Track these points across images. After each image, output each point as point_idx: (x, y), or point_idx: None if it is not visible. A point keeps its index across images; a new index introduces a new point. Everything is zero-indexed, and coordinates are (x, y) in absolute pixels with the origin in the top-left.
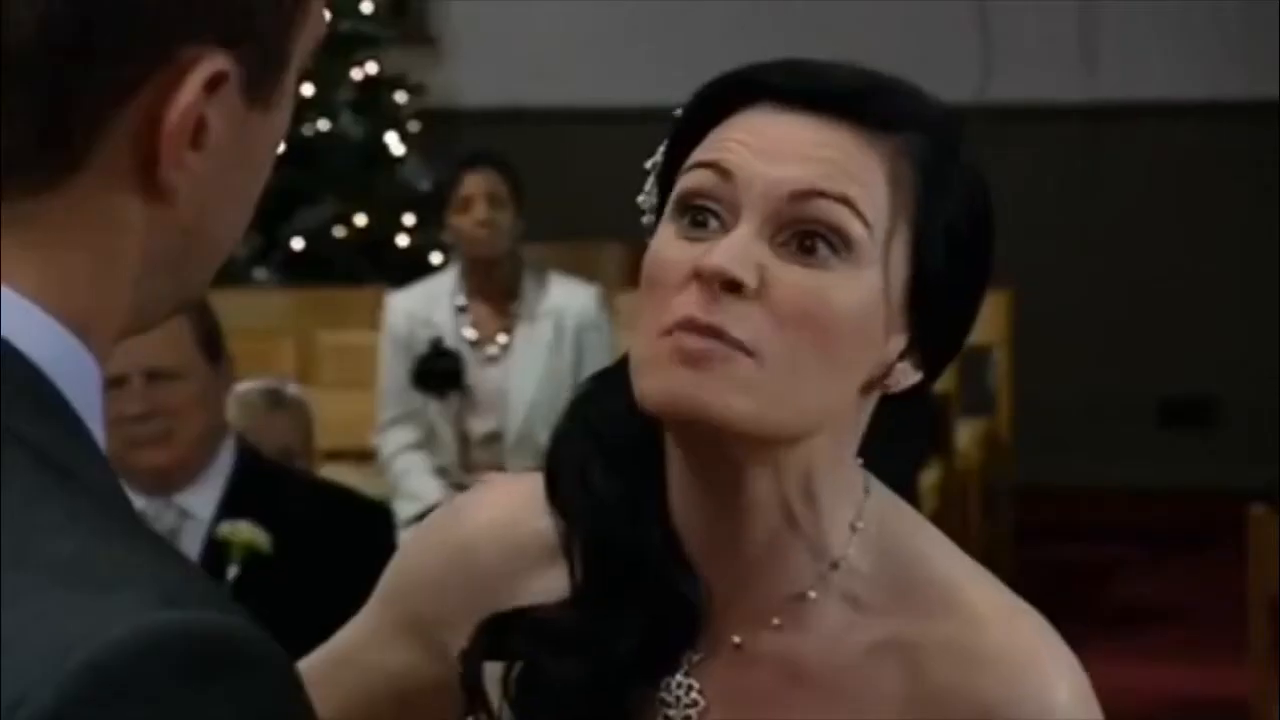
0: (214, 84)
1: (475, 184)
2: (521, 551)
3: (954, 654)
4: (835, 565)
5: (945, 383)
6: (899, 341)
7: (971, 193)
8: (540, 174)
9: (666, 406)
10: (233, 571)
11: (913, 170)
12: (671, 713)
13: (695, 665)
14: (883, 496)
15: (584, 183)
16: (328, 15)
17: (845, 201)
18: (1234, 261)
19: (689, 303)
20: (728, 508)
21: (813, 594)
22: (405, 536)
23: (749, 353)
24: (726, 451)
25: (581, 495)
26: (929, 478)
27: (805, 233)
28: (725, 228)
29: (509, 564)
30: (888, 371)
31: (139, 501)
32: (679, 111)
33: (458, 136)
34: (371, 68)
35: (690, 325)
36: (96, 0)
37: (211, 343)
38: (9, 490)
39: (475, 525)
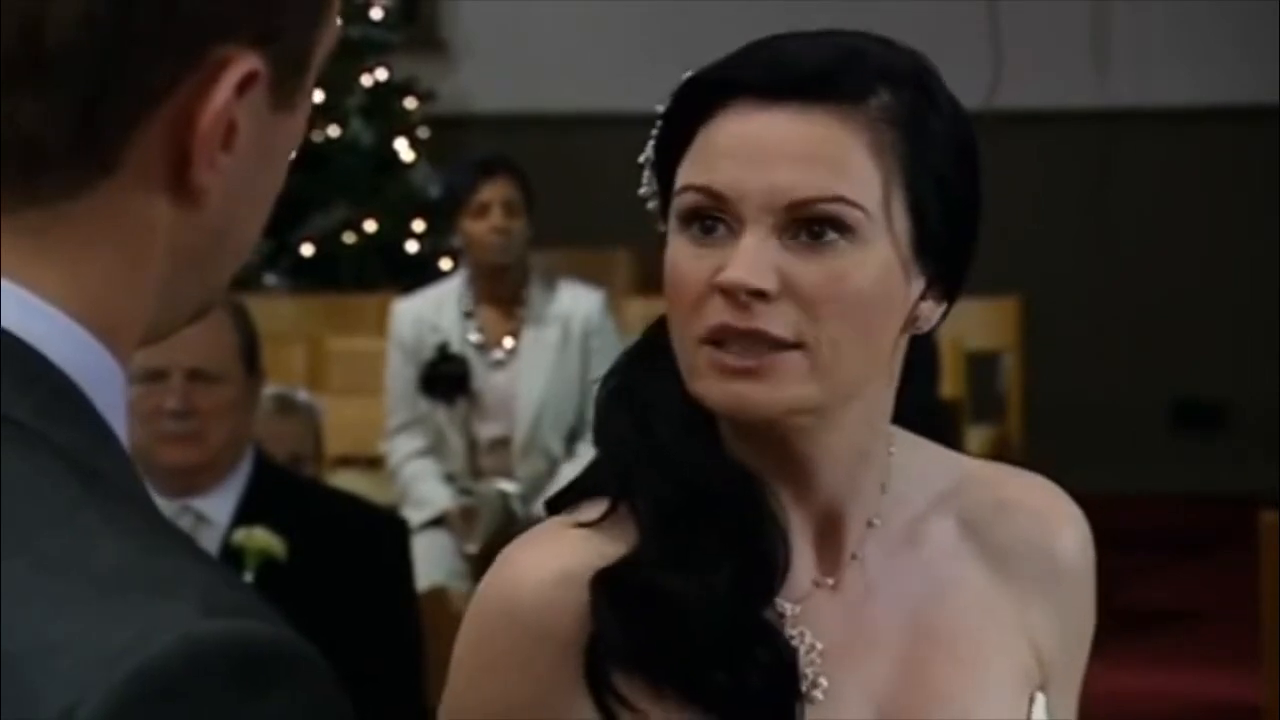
0: (245, 85)
1: (493, 192)
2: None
3: (994, 510)
4: (884, 488)
5: (955, 389)
6: (918, 285)
7: (953, 132)
8: (550, 180)
9: (732, 411)
10: (247, 578)
11: (893, 130)
12: (797, 659)
13: (797, 616)
14: (891, 425)
15: (593, 189)
16: (338, 20)
17: (838, 200)
18: (1245, 266)
19: (721, 311)
20: (803, 468)
21: (876, 520)
22: (420, 549)
23: (794, 345)
24: (794, 428)
25: (642, 443)
26: None
27: (810, 223)
28: (733, 232)
29: (578, 606)
30: (915, 315)
31: (156, 504)
32: (661, 108)
33: (467, 142)
34: (381, 74)
35: (726, 331)
36: (137, 0)
37: (251, 354)
38: (48, 498)
39: (533, 605)
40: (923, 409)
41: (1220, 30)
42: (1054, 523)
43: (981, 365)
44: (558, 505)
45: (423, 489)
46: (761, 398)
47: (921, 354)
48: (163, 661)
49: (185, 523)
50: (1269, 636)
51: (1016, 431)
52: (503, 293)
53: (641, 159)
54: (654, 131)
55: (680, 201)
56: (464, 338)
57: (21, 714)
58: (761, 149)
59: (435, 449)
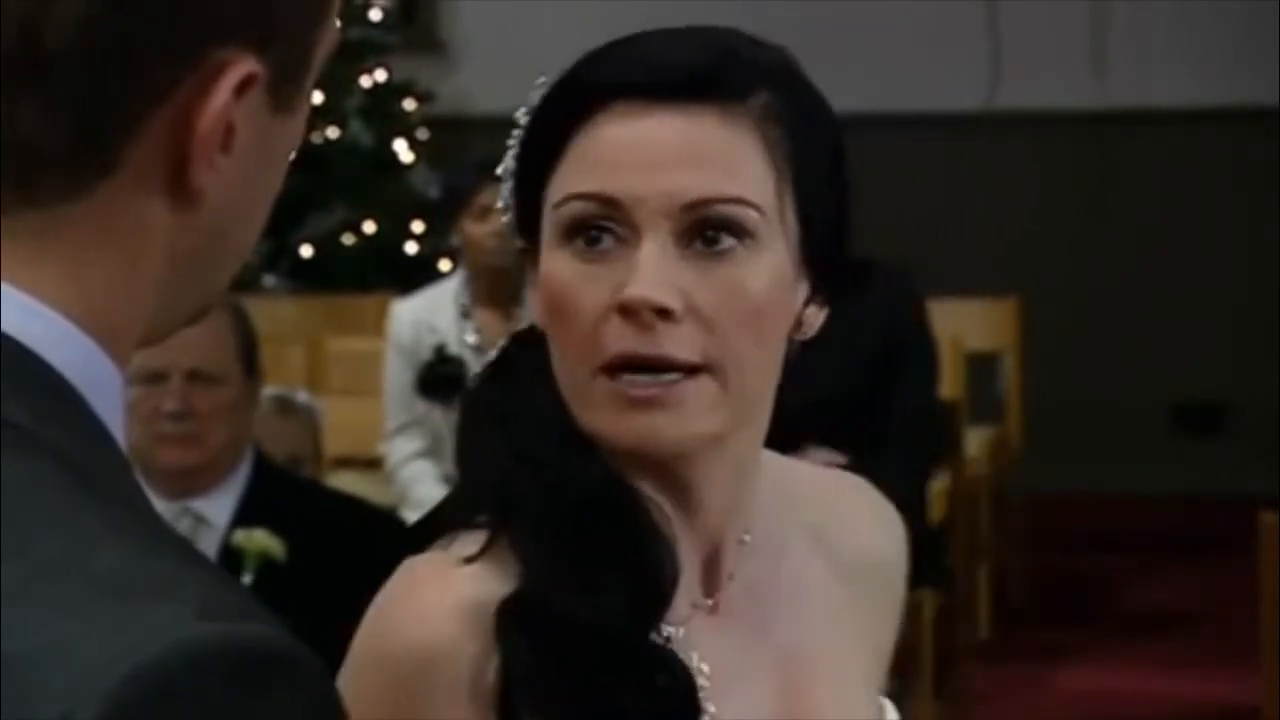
0: (244, 87)
1: (495, 195)
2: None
3: (836, 519)
4: (753, 502)
5: (954, 390)
6: (803, 290)
7: (828, 130)
8: None
9: (636, 447)
10: (246, 579)
11: (778, 129)
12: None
13: (681, 640)
14: None
15: None
16: (337, 23)
17: (737, 201)
18: (1245, 266)
19: (623, 336)
20: (689, 489)
21: (746, 536)
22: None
23: (702, 369)
24: (685, 457)
25: (514, 462)
26: (939, 485)
27: (706, 227)
28: (623, 242)
29: (481, 644)
30: (799, 321)
31: (156, 505)
32: (521, 116)
33: (466, 143)
34: (380, 75)
35: (634, 360)
36: (137, 2)
37: (250, 355)
38: (47, 501)
39: (430, 650)
40: (922, 410)
41: (1220, 31)
42: (879, 527)
43: (981, 366)
44: (422, 540)
45: (421, 490)
46: (670, 430)
47: (921, 354)
48: (161, 664)
49: (185, 524)
50: (1269, 637)
51: (1016, 432)
52: (500, 294)
53: (499, 171)
54: (511, 142)
55: (563, 213)
56: (461, 339)
57: (20, 716)
58: (654, 152)
59: (434, 450)
